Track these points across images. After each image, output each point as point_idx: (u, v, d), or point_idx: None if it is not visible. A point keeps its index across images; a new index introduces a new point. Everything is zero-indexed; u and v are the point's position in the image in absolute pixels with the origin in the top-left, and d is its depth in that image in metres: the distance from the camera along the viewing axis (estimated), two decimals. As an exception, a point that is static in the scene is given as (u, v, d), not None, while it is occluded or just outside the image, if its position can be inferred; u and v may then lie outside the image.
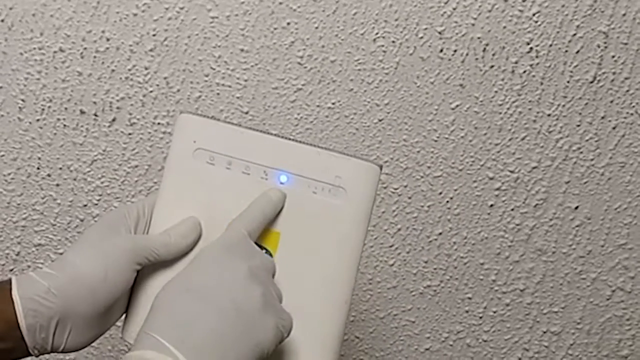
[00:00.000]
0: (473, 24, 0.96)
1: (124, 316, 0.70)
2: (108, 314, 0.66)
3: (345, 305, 0.66)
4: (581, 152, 1.01)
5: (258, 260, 0.61)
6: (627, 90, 0.99)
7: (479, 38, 0.97)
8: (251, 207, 0.65)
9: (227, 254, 0.60)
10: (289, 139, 0.67)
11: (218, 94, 0.98)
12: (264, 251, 0.67)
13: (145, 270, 0.68)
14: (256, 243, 0.66)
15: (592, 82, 0.98)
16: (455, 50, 0.97)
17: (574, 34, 0.97)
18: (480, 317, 1.07)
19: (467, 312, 1.07)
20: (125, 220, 0.68)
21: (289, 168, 0.67)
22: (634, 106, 0.99)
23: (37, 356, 0.63)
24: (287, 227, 0.67)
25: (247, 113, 0.98)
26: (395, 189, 1.01)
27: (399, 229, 1.03)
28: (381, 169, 0.67)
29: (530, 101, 0.99)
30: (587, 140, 1.00)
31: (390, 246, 1.04)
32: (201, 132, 0.69)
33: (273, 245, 0.67)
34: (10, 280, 0.62)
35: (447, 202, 1.02)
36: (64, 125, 0.99)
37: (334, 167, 0.66)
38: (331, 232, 0.66)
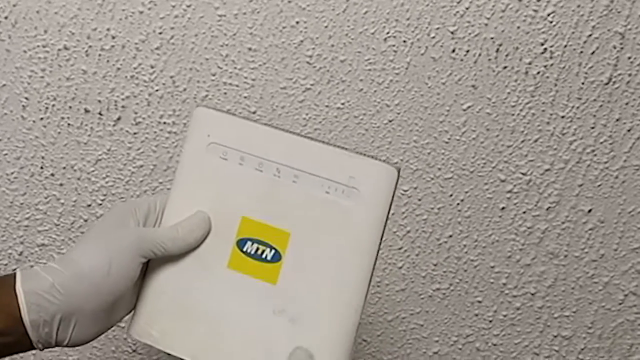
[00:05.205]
0: (486, 24, 0.94)
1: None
2: (114, 309, 0.66)
3: (355, 313, 0.65)
4: (595, 155, 0.99)
5: None
6: (643, 93, 0.97)
7: (492, 38, 0.95)
8: None
9: None
10: (305, 136, 0.66)
11: (225, 93, 0.96)
12: (272, 252, 0.66)
13: (153, 265, 0.68)
14: (266, 243, 0.65)
15: (607, 83, 0.97)
16: (467, 51, 0.95)
17: (590, 35, 0.95)
18: (490, 321, 1.06)
19: (476, 315, 1.05)
20: (135, 214, 0.67)
21: (303, 166, 0.66)
22: (649, 108, 0.98)
23: (41, 349, 0.62)
24: (297, 227, 0.66)
25: (254, 113, 0.97)
26: (405, 190, 1.00)
27: (408, 231, 1.02)
28: (399, 172, 0.65)
29: (543, 103, 0.97)
30: (601, 143, 0.99)
31: (399, 248, 1.02)
32: (216, 126, 0.67)
33: (283, 245, 0.66)
34: (14, 275, 0.61)
35: (458, 204, 1.01)
36: (68, 124, 0.97)
37: (348, 166, 0.65)
38: (342, 234, 0.65)
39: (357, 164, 0.65)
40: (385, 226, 0.65)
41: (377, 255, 0.65)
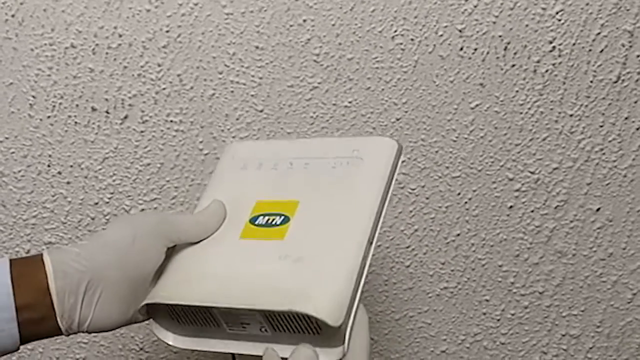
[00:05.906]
0: (494, 22, 0.94)
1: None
2: (137, 293, 0.66)
3: (355, 259, 0.63)
4: (603, 153, 0.99)
5: None
6: (653, 91, 0.97)
7: (500, 36, 0.95)
8: None
9: None
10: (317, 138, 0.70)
11: (232, 91, 0.96)
12: (282, 217, 0.67)
13: (172, 252, 0.69)
14: (276, 213, 0.68)
15: (616, 82, 0.96)
16: (475, 49, 0.95)
17: (598, 33, 0.95)
18: (498, 320, 1.05)
19: (484, 314, 1.05)
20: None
21: (313, 154, 0.71)
22: (658, 107, 0.97)
23: (65, 334, 0.63)
24: (306, 196, 0.69)
25: (261, 111, 0.96)
26: (413, 189, 1.00)
27: (416, 230, 1.01)
28: (401, 147, 0.69)
29: (552, 101, 0.97)
30: (609, 141, 0.98)
31: (407, 247, 1.02)
32: (241, 150, 0.76)
33: (292, 211, 0.68)
34: (41, 252, 0.63)
35: (466, 203, 1.00)
36: (75, 123, 0.97)
37: (352, 144, 0.71)
38: (345, 191, 0.67)
39: (360, 140, 0.72)
40: (387, 191, 0.67)
41: (378, 215, 0.66)
